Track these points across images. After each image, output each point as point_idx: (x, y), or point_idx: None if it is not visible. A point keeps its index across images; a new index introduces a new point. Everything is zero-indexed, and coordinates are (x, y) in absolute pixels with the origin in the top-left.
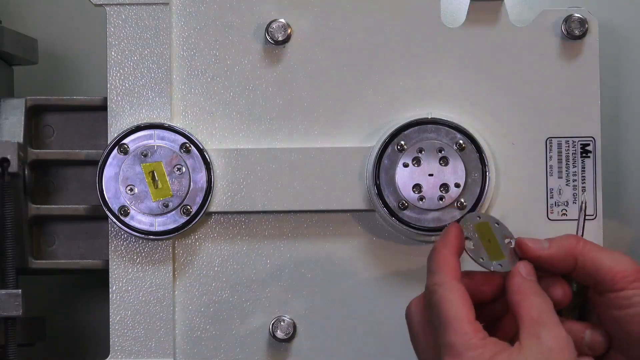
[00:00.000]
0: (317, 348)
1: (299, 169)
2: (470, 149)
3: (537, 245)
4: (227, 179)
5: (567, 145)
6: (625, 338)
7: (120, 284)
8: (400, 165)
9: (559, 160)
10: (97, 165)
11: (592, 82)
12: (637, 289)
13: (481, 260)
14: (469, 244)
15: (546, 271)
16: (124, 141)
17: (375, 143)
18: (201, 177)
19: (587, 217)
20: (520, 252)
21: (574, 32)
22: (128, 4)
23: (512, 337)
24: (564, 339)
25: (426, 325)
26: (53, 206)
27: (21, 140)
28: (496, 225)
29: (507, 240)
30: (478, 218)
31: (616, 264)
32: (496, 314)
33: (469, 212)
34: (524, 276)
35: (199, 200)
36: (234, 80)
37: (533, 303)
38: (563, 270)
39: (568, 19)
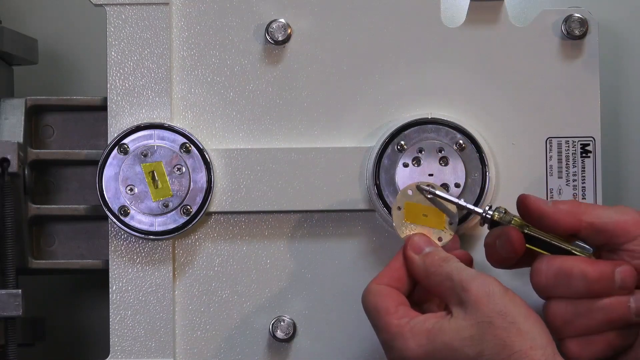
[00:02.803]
0: (317, 348)
1: (299, 169)
2: (470, 149)
3: (541, 202)
4: (227, 179)
5: (567, 145)
6: None
7: (120, 284)
8: (400, 165)
9: (559, 160)
10: (97, 165)
11: (592, 82)
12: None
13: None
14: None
15: (552, 230)
16: (124, 141)
17: (375, 143)
18: (201, 177)
19: None
20: (523, 207)
21: (574, 32)
22: (128, 4)
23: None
24: (488, 285)
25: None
26: (53, 206)
27: (21, 140)
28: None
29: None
30: (410, 193)
31: (622, 214)
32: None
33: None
34: (417, 257)
35: (199, 200)
36: (234, 80)
37: (439, 280)
38: (569, 229)
39: (568, 19)
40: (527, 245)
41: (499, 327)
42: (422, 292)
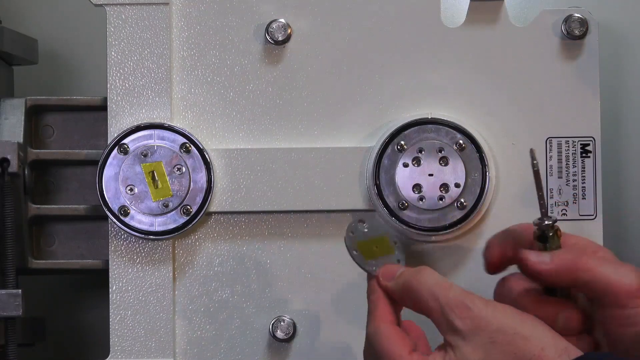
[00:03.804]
0: (317, 348)
1: (299, 169)
2: (470, 149)
3: (538, 259)
4: (227, 179)
5: (567, 145)
6: (627, 354)
7: (120, 284)
8: (400, 165)
9: (559, 160)
10: (97, 165)
11: (592, 82)
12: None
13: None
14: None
15: (548, 285)
16: (124, 141)
17: (375, 143)
18: (201, 177)
19: (582, 218)
20: (520, 266)
21: (574, 32)
22: (128, 4)
23: None
24: (475, 308)
25: None
26: (53, 206)
27: (21, 140)
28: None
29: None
30: (364, 233)
31: (621, 278)
32: None
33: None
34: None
35: (199, 200)
36: (234, 80)
37: (423, 297)
38: (565, 285)
39: (568, 19)
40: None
41: (504, 343)
42: None
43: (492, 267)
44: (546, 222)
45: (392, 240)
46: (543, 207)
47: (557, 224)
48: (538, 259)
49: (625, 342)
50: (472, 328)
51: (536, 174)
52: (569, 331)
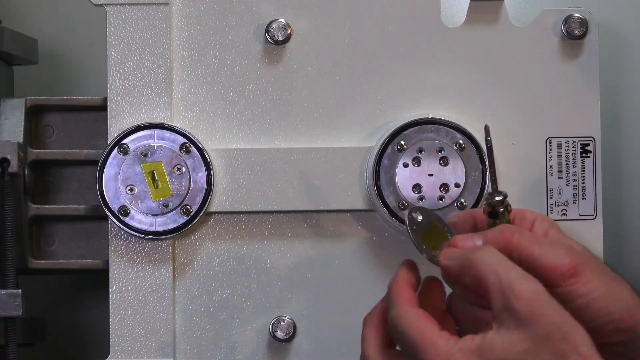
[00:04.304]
0: (317, 348)
1: (299, 169)
2: (470, 149)
3: (469, 243)
4: (227, 179)
5: (567, 145)
6: (586, 326)
7: (120, 284)
8: (400, 165)
9: (559, 160)
10: (97, 165)
11: (592, 82)
12: (571, 286)
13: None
14: (424, 250)
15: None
16: (124, 141)
17: (375, 143)
18: (201, 177)
19: (582, 218)
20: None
21: (574, 32)
22: (128, 4)
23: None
24: (539, 292)
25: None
26: (53, 206)
27: (21, 140)
28: (433, 220)
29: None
30: (421, 217)
31: (553, 258)
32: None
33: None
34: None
35: (199, 200)
36: (234, 80)
37: (481, 272)
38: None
39: (568, 19)
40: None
41: (557, 339)
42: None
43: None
44: (496, 198)
45: (442, 225)
46: (494, 182)
47: (508, 199)
48: (468, 242)
49: (574, 314)
50: (531, 315)
51: (489, 150)
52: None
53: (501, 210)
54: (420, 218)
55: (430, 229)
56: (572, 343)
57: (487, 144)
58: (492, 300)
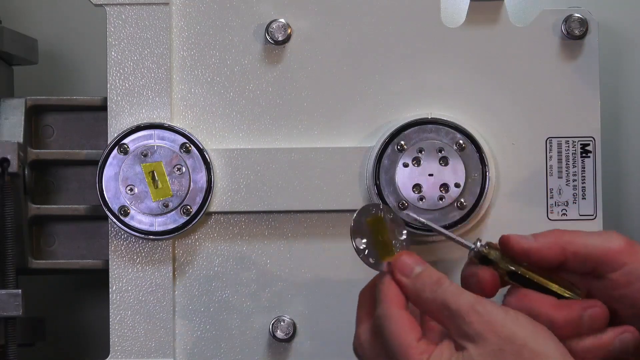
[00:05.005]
0: (317, 348)
1: (299, 169)
2: (470, 149)
3: (523, 240)
4: (227, 179)
5: (567, 145)
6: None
7: (120, 284)
8: (400, 165)
9: (559, 160)
10: (97, 165)
11: (592, 82)
12: (636, 262)
13: (371, 261)
14: (359, 243)
15: (540, 266)
16: (124, 141)
17: (375, 143)
18: (201, 177)
19: (582, 218)
20: (505, 248)
21: (574, 32)
22: (128, 4)
23: None
24: (488, 313)
25: (379, 355)
26: (53, 206)
27: (21, 140)
28: (389, 216)
29: (402, 234)
30: (372, 211)
31: (607, 242)
32: None
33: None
34: (405, 280)
35: (199, 200)
36: (234, 80)
37: (435, 307)
38: (554, 261)
39: (568, 19)
40: (513, 282)
41: (511, 353)
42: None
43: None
44: (474, 248)
45: (393, 227)
46: (460, 243)
47: (478, 244)
48: (523, 239)
49: (629, 298)
50: (481, 333)
51: (428, 226)
52: (596, 329)
53: (486, 250)
54: (364, 241)
55: (381, 238)
56: (527, 356)
57: (424, 225)
58: (448, 330)
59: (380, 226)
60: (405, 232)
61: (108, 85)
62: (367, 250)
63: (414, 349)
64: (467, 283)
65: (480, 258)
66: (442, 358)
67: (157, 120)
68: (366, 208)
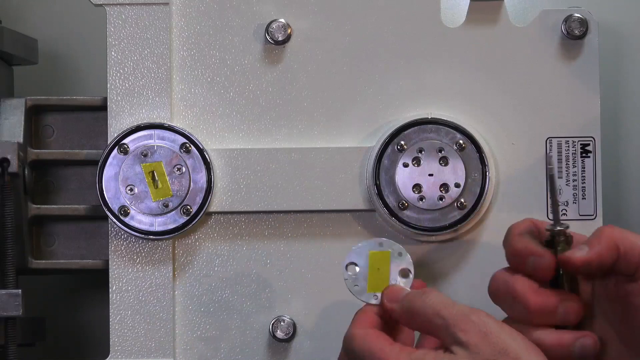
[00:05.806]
0: (317, 348)
1: (299, 169)
2: (470, 149)
3: (580, 254)
4: (227, 179)
5: (567, 145)
6: None
7: (120, 284)
8: (400, 165)
9: (559, 160)
10: (97, 165)
11: (592, 82)
12: None
13: (356, 287)
14: (352, 270)
15: (594, 274)
16: (124, 141)
17: (375, 143)
18: (201, 177)
19: (582, 218)
20: (566, 267)
21: (574, 32)
22: (128, 4)
23: None
24: (484, 323)
25: None
26: (53, 206)
27: (21, 140)
28: (399, 255)
29: (405, 276)
30: (380, 245)
31: None
32: None
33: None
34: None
35: (199, 200)
36: (234, 80)
37: (427, 318)
38: (610, 263)
39: (568, 19)
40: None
41: None
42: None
43: (516, 256)
44: (557, 228)
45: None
46: (556, 212)
47: (569, 230)
48: (579, 253)
49: None
50: (477, 342)
51: (551, 178)
52: (567, 322)
53: (562, 239)
54: (357, 269)
55: (373, 271)
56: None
57: (549, 172)
58: (442, 341)
59: (383, 260)
60: (410, 276)
61: (108, 85)
62: (355, 278)
63: (389, 352)
64: (518, 256)
65: (549, 242)
66: (427, 358)
67: (157, 120)
68: (373, 242)
